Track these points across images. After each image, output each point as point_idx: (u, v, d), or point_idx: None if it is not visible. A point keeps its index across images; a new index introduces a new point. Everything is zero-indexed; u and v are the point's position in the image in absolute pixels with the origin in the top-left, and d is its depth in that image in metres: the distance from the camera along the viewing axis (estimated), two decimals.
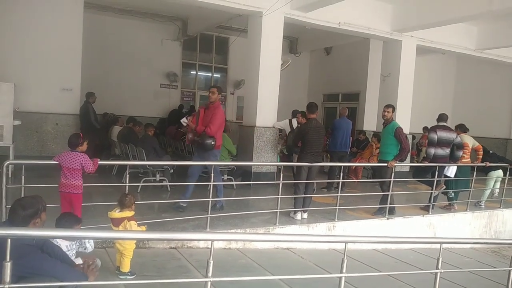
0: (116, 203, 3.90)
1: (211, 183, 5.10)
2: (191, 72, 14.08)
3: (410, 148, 6.42)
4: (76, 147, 4.19)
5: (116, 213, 3.79)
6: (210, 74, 14.15)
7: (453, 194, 7.21)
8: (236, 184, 7.57)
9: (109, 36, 11.59)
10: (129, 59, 11.91)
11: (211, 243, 2.61)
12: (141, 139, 7.80)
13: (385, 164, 6.14)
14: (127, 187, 4.71)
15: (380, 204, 6.45)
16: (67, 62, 8.91)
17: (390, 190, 6.21)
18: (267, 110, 8.19)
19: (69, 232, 2.69)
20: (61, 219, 3.21)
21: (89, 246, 3.27)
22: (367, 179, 9.65)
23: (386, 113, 6.24)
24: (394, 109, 6.31)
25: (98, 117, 9.16)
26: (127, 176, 4.78)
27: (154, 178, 7.15)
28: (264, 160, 8.12)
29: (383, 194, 6.39)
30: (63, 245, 3.09)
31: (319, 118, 13.90)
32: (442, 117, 6.97)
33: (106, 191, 6.34)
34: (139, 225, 3.86)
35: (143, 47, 12.09)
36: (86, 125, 8.54)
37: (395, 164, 6.14)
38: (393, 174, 6.18)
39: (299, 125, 7.01)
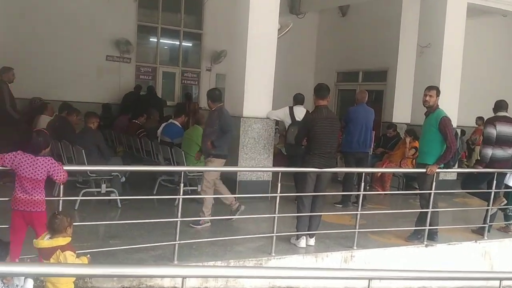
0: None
1: (180, 196, 5.11)
2: (151, 40, 14.05)
3: (459, 148, 6.49)
4: (41, 150, 4.26)
5: (45, 241, 3.76)
6: (178, 43, 14.16)
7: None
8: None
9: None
10: (63, 23, 11.85)
11: (182, 281, 2.62)
12: (79, 134, 7.77)
13: (424, 170, 6.21)
14: (60, 202, 4.68)
15: (416, 226, 6.53)
16: None
17: (430, 206, 6.29)
18: (259, 94, 8.22)
19: None
20: None
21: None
22: (398, 190, 9.76)
23: (427, 98, 6.31)
24: (438, 92, 6.38)
25: (17, 103, 9.06)
26: (60, 186, 4.75)
27: (98, 189, 7.13)
28: (255, 164, 8.15)
29: (421, 212, 6.47)
30: None
31: (332, 106, 14.10)
32: (501, 105, 7.06)
33: None
34: (78, 256, 3.85)
35: (81, 5, 12.03)
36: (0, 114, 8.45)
37: (438, 170, 6.22)
38: (434, 183, 6.26)
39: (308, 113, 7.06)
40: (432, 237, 6.52)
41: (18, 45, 11.07)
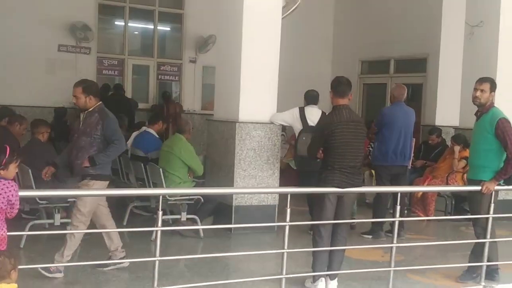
0: None
1: (158, 228, 5.09)
2: (116, 23, 14.14)
3: None
4: None
5: None
6: (152, 26, 14.23)
7: None
8: (204, 229, 7.58)
9: None
10: (2, 4, 11.88)
11: None
12: (24, 148, 7.77)
13: (478, 188, 6.20)
14: None
15: (470, 261, 6.49)
16: None
17: (488, 235, 6.26)
18: (260, 92, 8.23)
19: None
20: None
21: None
22: (445, 214, 9.73)
23: (478, 94, 6.31)
24: (494, 85, 6.38)
25: None
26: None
27: (50, 221, 7.11)
28: (256, 183, 8.15)
29: (476, 243, 6.44)
30: None
31: (354, 105, 14.11)
32: None
33: None
34: None
35: None
36: None
37: (496, 188, 6.20)
38: (492, 205, 6.24)
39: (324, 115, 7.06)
40: (492, 275, 6.48)
41: None
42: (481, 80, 6.41)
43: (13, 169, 4.41)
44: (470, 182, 6.46)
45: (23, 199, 7.20)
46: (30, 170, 6.90)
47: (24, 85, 12.19)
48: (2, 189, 4.27)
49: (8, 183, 4.32)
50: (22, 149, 7.75)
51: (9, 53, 12.04)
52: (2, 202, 4.27)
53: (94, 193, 6.22)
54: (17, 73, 12.17)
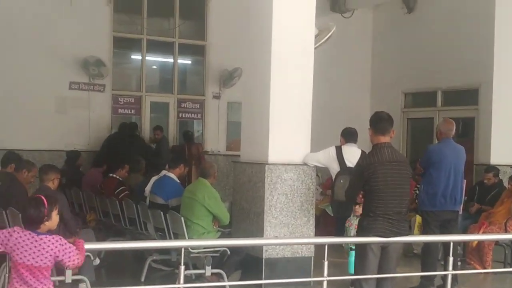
0: None
1: (180, 285, 5.09)
2: (133, 57, 14.35)
3: None
4: (39, 224, 4.41)
5: None
6: (171, 60, 14.42)
7: None
8: (231, 285, 7.51)
9: None
10: (5, 37, 12.16)
11: None
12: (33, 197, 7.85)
13: None
14: None
15: None
16: None
17: None
18: (291, 130, 8.24)
19: None
20: None
21: None
22: (505, 266, 9.56)
23: None
24: None
25: None
26: (6, 276, 4.77)
27: (61, 278, 7.07)
28: (288, 232, 8.10)
29: None
30: None
31: (397, 142, 14.02)
32: None
33: None
34: None
35: (32, 12, 12.38)
36: None
37: None
38: None
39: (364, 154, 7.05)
40: None
41: None
42: None
43: (55, 217, 4.56)
44: None
45: None
46: None
47: (32, 127, 12.34)
48: (47, 244, 4.37)
49: (48, 238, 4.41)
50: (31, 198, 7.86)
51: (16, 91, 12.26)
52: (49, 260, 4.36)
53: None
54: (24, 113, 12.34)
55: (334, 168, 7.93)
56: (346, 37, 13.49)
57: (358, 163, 6.61)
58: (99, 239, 8.13)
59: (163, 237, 8.09)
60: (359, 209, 6.35)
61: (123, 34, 13.80)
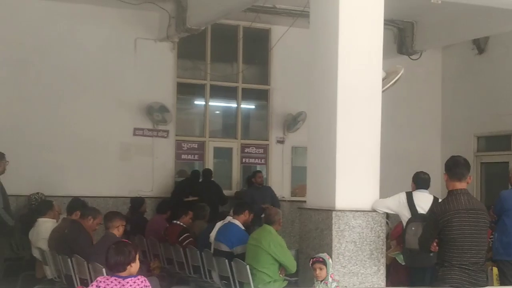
0: None
1: None
2: (196, 103, 14.51)
3: None
4: (125, 266, 4.55)
5: None
6: (235, 105, 14.53)
7: None
8: None
9: (29, 45, 12.26)
10: (70, 84, 12.50)
11: None
12: (98, 244, 7.88)
13: None
14: None
15: None
16: None
17: None
18: (359, 176, 8.13)
19: None
20: None
21: None
22: None
23: None
24: None
25: (11, 203, 9.44)
26: None
27: None
28: (358, 281, 7.90)
29: None
30: None
31: (471, 188, 13.69)
32: None
33: None
34: None
35: (98, 58, 12.72)
36: None
37: None
38: None
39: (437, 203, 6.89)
40: None
41: (5, 121, 11.75)
42: None
43: (137, 259, 4.68)
44: None
45: None
46: (104, 269, 6.97)
47: (96, 173, 12.53)
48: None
49: (138, 279, 4.57)
50: (96, 246, 7.92)
51: (81, 138, 12.50)
52: None
53: None
54: (88, 160, 12.55)
55: (405, 214, 7.75)
56: (415, 80, 13.38)
57: (432, 210, 6.48)
58: (163, 287, 8.11)
59: (228, 286, 8.04)
60: (320, 273, 6.12)
61: (186, 80, 14.00)
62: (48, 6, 12.34)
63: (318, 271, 5.78)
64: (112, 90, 12.78)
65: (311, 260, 5.99)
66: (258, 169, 14.54)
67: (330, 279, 5.57)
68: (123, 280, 4.46)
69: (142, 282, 4.54)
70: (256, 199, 12.20)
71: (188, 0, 12.58)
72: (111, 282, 4.46)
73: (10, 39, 12.00)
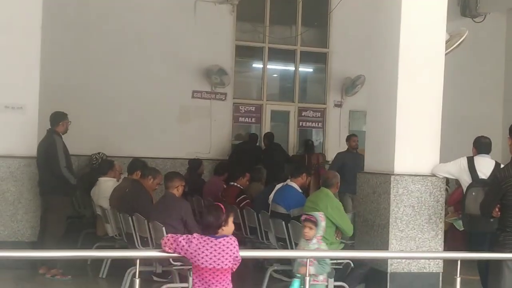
0: None
1: None
2: (254, 66, 14.54)
3: None
4: (217, 229, 4.62)
5: None
6: (293, 68, 14.51)
7: None
8: None
9: (93, 8, 12.44)
10: (132, 47, 12.67)
11: None
12: (158, 203, 8.08)
13: None
14: None
15: None
16: (14, 57, 9.48)
17: None
18: (419, 140, 8.13)
19: None
20: None
21: None
22: None
23: None
24: None
25: (73, 161, 9.62)
26: (136, 281, 4.88)
27: (184, 285, 7.21)
28: (415, 246, 7.96)
29: None
30: None
31: None
32: None
33: None
34: None
35: (157, 22, 12.82)
36: (49, 176, 8.95)
37: None
38: None
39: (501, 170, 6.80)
40: None
41: (71, 83, 11.99)
42: None
43: (231, 224, 4.69)
44: None
45: (155, 261, 7.55)
46: (163, 228, 7.12)
47: (156, 136, 12.71)
48: (227, 247, 4.52)
49: (231, 239, 4.59)
50: (156, 205, 8.08)
51: (142, 102, 12.70)
52: (229, 261, 4.53)
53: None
54: (149, 122, 12.75)
55: (466, 179, 7.68)
56: (478, 43, 13.10)
57: (495, 175, 6.39)
58: None
59: (284, 247, 8.10)
60: (308, 232, 6.03)
61: (245, 43, 14.03)
62: None
63: (307, 230, 5.74)
64: (171, 53, 12.86)
65: (304, 216, 5.89)
66: (313, 134, 14.56)
67: (314, 240, 5.51)
68: (216, 239, 4.52)
69: (234, 241, 4.58)
70: (346, 162, 11.81)
71: None
72: (204, 241, 4.54)
73: (74, 4, 12.19)
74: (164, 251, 4.76)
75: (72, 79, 12.02)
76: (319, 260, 5.53)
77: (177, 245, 4.58)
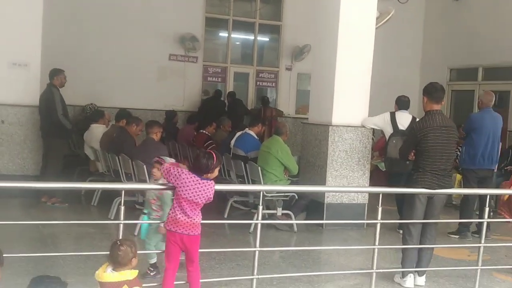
0: (105, 254, 4.01)
1: (257, 221, 5.14)
2: (220, 35, 14.36)
3: None
4: (204, 173, 4.59)
5: (110, 274, 3.83)
6: (252, 37, 14.39)
7: None
8: (297, 223, 7.59)
9: None
10: (119, 16, 12.41)
11: None
12: (140, 146, 8.04)
13: None
14: (120, 227, 4.82)
15: None
16: (19, 20, 9.27)
17: None
18: (352, 98, 8.17)
19: None
20: (40, 283, 3.36)
21: None
22: None
23: None
24: None
25: (69, 110, 9.51)
26: (122, 208, 4.89)
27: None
28: (347, 182, 8.09)
29: None
30: None
31: (443, 110, 13.68)
32: None
33: (83, 233, 6.57)
34: None
35: None
36: (49, 122, 8.87)
37: None
38: None
39: (416, 120, 6.92)
40: None
41: (67, 45, 11.68)
42: None
43: (217, 171, 4.66)
44: None
45: (137, 192, 7.57)
46: (145, 166, 7.12)
47: (139, 90, 12.56)
48: (206, 188, 4.51)
49: (208, 183, 4.56)
50: (138, 147, 8.05)
51: (127, 62, 12.48)
52: (205, 199, 4.53)
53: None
54: (133, 79, 12.57)
55: (388, 130, 7.80)
56: (402, 20, 13.08)
57: (412, 127, 6.49)
58: None
59: (242, 183, 8.13)
60: (156, 173, 5.40)
61: (213, 15, 13.80)
62: None
63: (155, 170, 5.41)
64: (153, 23, 12.64)
65: (155, 159, 5.52)
66: (268, 92, 14.54)
67: (161, 181, 5.18)
68: (201, 180, 4.51)
69: (212, 186, 4.58)
70: None
71: None
72: (191, 177, 4.53)
73: None
74: (144, 184, 4.76)
75: (70, 43, 11.72)
76: (162, 198, 5.34)
77: (170, 175, 4.57)
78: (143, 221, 5.42)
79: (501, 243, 7.59)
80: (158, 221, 5.18)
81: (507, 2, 12.88)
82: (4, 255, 3.18)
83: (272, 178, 7.82)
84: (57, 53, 10.63)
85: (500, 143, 8.19)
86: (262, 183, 7.57)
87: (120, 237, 4.46)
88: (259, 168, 7.74)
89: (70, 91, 9.79)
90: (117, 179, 7.92)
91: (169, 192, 5.05)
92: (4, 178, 8.43)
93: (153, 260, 5.48)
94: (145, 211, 5.51)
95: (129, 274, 3.85)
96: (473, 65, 14.04)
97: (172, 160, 5.51)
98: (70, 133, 9.28)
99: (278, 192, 7.55)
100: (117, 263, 3.84)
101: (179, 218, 4.54)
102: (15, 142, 9.18)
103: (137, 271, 3.92)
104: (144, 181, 7.08)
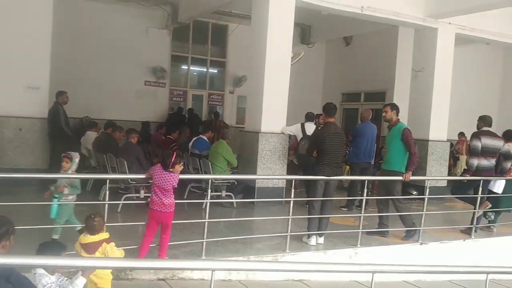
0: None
1: (207, 201, 5.14)
2: (182, 67, 14.22)
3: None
4: (167, 167, 4.64)
5: (92, 237, 3.80)
6: (205, 69, 14.30)
7: (492, 216, 7.21)
8: (236, 202, 7.60)
9: (84, 23, 11.78)
10: (108, 52, 12.09)
11: (211, 273, 2.63)
12: (122, 147, 7.89)
13: (400, 178, 6.18)
14: (105, 206, 4.74)
15: (406, 226, 6.44)
16: (33, 55, 9.02)
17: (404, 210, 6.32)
18: (275, 113, 8.25)
19: (40, 260, 2.72)
20: (45, 248, 3.27)
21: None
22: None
23: (384, 113, 6.39)
24: (395, 108, 6.36)
25: (70, 121, 9.28)
26: (106, 192, 4.81)
27: (137, 195, 7.19)
28: (271, 172, 8.17)
29: (406, 215, 6.40)
30: (44, 281, 3.14)
31: (337, 123, 13.99)
32: (486, 121, 6.96)
33: (79, 211, 6.36)
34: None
35: (124, 37, 12.27)
36: (55, 130, 8.64)
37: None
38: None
39: (319, 127, 7.06)
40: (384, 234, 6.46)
41: (71, 70, 11.28)
42: (385, 105, 6.66)
43: (178, 168, 4.73)
44: (385, 172, 6.45)
45: (120, 180, 7.39)
46: (125, 162, 7.00)
47: (122, 107, 12.26)
48: (170, 179, 4.64)
49: (174, 175, 4.67)
50: (120, 148, 7.88)
51: (114, 85, 12.20)
52: (171, 186, 4.66)
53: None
54: (118, 98, 12.27)
55: (300, 135, 7.96)
56: (309, 59, 13.33)
57: (315, 133, 6.63)
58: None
59: (198, 173, 8.07)
60: (65, 165, 4.96)
61: (177, 53, 13.62)
62: (92, 6, 11.84)
63: (64, 163, 4.97)
64: (133, 58, 12.39)
65: (64, 154, 5.04)
66: (217, 110, 14.48)
67: (69, 171, 4.91)
68: (166, 173, 4.62)
69: (176, 177, 4.65)
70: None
71: (179, 3, 12.27)
72: (160, 170, 4.66)
73: (71, 26, 11.44)
74: (125, 175, 4.74)
75: (71, 70, 11.32)
76: (72, 184, 4.99)
77: (150, 170, 4.80)
78: (57, 203, 5.01)
79: (375, 214, 7.83)
80: (74, 202, 5.07)
81: (383, 48, 13.21)
82: (16, 227, 3.05)
83: (218, 170, 7.81)
84: (61, 78, 10.25)
85: (375, 145, 8.49)
86: (212, 173, 7.56)
87: (106, 213, 4.44)
88: (210, 163, 7.73)
89: (71, 106, 9.61)
90: (105, 171, 7.74)
91: (77, 179, 5.03)
92: (21, 171, 8.37)
93: (57, 236, 4.97)
94: (56, 195, 5.05)
95: (104, 235, 3.85)
96: (357, 91, 14.41)
97: (77, 154, 5.11)
98: (70, 138, 9.04)
99: (223, 179, 7.54)
100: (94, 230, 3.83)
101: (154, 199, 4.65)
102: (29, 145, 9.04)
103: (108, 233, 3.90)
104: (124, 173, 6.95)
